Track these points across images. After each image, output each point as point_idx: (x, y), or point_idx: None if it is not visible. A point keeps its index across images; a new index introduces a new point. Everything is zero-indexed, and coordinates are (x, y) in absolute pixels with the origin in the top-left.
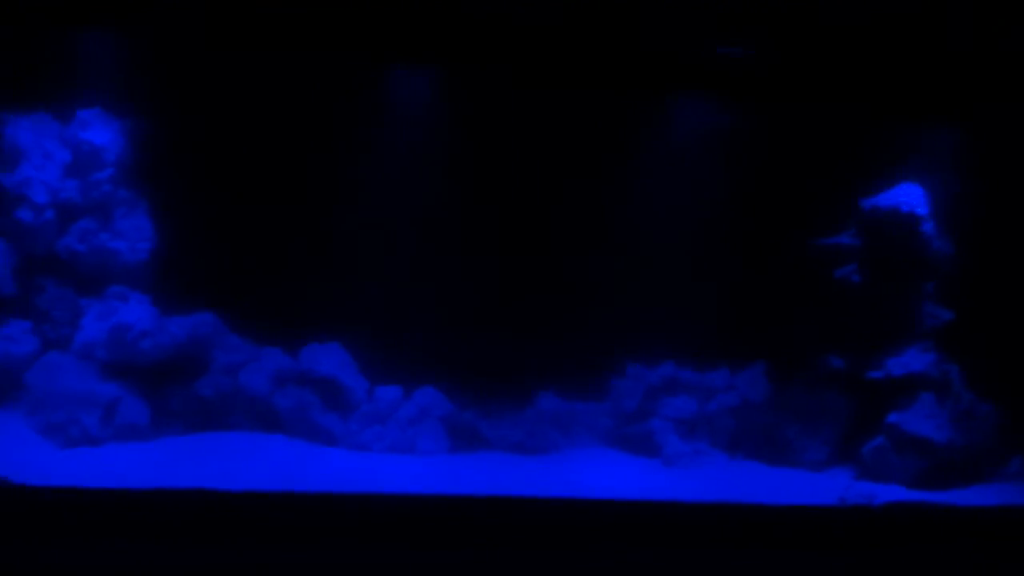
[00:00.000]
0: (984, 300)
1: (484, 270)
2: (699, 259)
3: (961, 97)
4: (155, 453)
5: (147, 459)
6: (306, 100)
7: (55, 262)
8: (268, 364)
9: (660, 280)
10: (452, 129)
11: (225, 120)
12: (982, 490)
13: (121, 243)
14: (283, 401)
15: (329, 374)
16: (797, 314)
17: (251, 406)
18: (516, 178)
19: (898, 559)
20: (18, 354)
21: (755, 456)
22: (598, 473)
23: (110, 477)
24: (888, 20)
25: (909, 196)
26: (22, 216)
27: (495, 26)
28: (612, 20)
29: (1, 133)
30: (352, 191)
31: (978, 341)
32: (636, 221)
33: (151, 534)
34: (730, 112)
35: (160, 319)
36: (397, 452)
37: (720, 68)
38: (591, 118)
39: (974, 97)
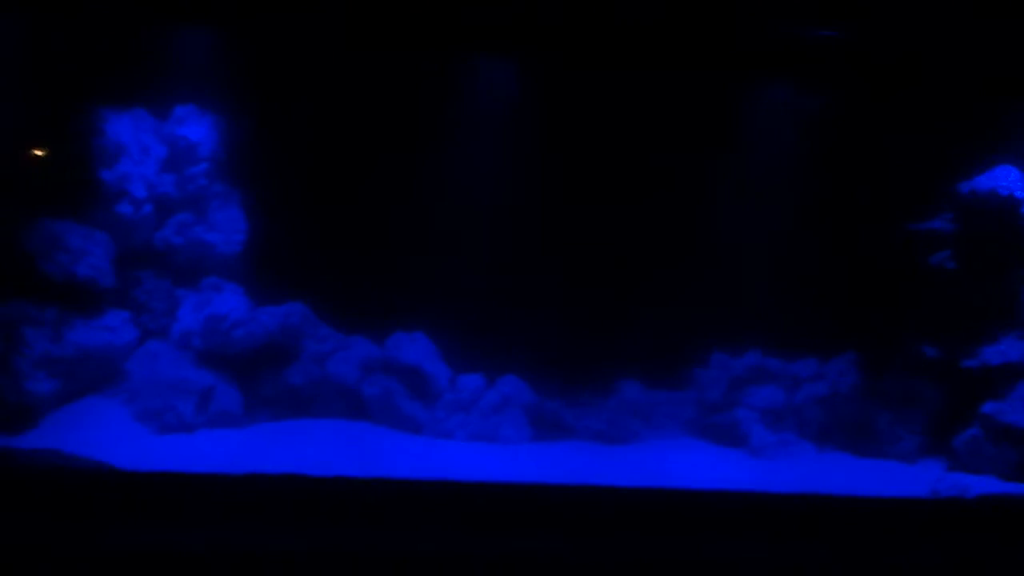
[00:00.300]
0: None
1: (567, 258)
2: (787, 246)
3: None
4: (247, 439)
5: (239, 445)
6: (393, 94)
7: (153, 254)
8: (355, 353)
9: (746, 267)
10: (536, 120)
11: (315, 114)
12: None
13: (216, 235)
14: (369, 389)
15: (414, 362)
16: (890, 301)
17: (339, 394)
18: (601, 166)
19: (992, 552)
20: (118, 343)
21: (845, 447)
22: (682, 463)
23: (203, 462)
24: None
25: (1007, 178)
26: (122, 210)
27: (587, 14)
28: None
29: (102, 130)
30: (438, 183)
31: None
32: (722, 207)
33: (242, 518)
34: (823, 96)
35: (252, 309)
36: (480, 440)
37: (816, 51)
38: (681, 105)
39: None
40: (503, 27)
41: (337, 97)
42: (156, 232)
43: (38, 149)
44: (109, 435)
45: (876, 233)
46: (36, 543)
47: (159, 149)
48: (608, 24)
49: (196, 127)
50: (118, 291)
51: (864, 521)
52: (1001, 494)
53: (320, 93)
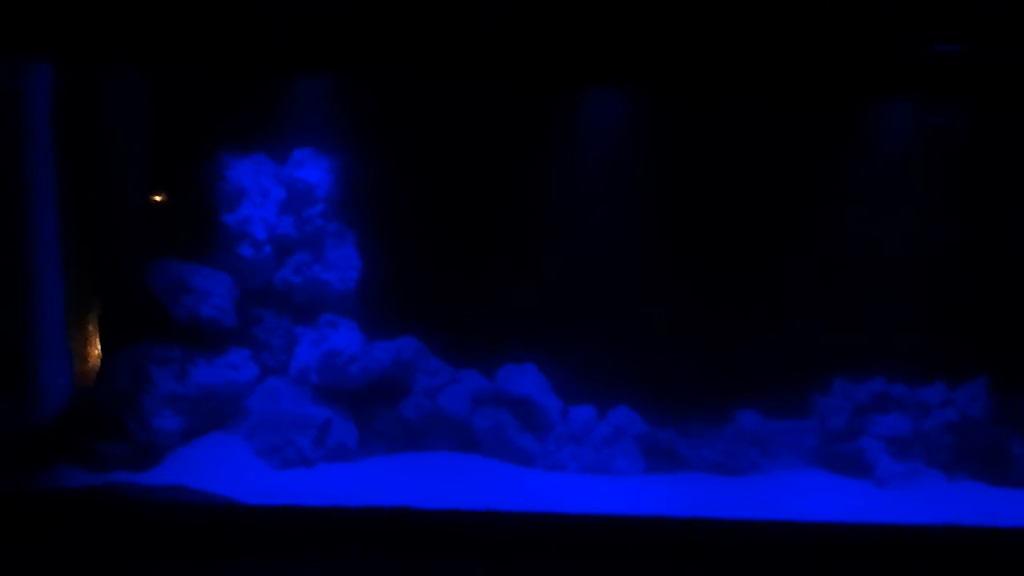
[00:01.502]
0: None
1: (679, 285)
2: (911, 266)
3: None
4: (363, 472)
5: (355, 478)
6: (499, 129)
7: (272, 293)
8: (466, 386)
9: (868, 289)
10: (640, 149)
11: (423, 153)
12: None
13: (331, 274)
14: (481, 422)
15: (525, 395)
16: (1022, 322)
17: (451, 427)
18: (712, 192)
19: None
20: (240, 381)
21: (977, 476)
22: (804, 494)
23: (322, 496)
24: None
25: None
26: (244, 252)
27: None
28: (819, 23)
29: (224, 176)
30: (545, 215)
31: None
32: (843, 227)
33: (358, 550)
34: (947, 114)
35: (367, 344)
36: (592, 472)
37: (937, 67)
38: (797, 128)
39: None
40: (614, 58)
41: (444, 134)
42: (276, 272)
43: (165, 195)
44: (231, 470)
45: (1009, 250)
46: None
47: (278, 192)
48: (716, 50)
49: (313, 169)
50: (240, 330)
51: (999, 553)
52: None
53: (428, 130)
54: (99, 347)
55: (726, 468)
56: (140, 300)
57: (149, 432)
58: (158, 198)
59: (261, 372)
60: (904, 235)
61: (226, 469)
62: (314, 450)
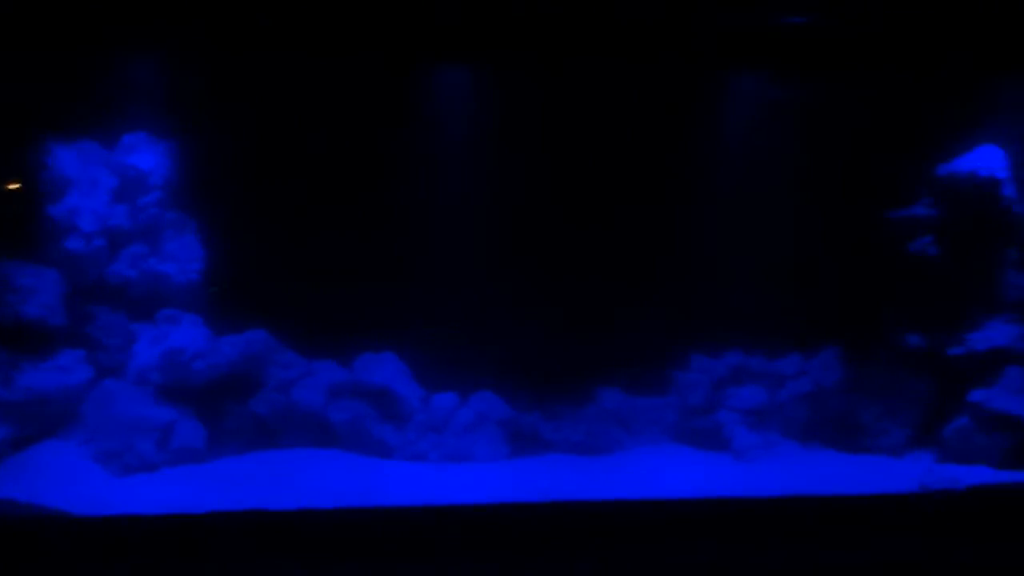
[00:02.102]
0: None
1: (537, 266)
2: (764, 240)
3: None
4: (212, 475)
5: (204, 481)
6: (342, 108)
7: (106, 289)
8: (322, 378)
9: (723, 265)
10: (490, 125)
11: (267, 135)
12: None
13: (171, 266)
14: (338, 414)
15: (383, 384)
16: (872, 292)
17: (306, 421)
18: (562, 168)
19: (985, 545)
20: (73, 384)
21: (831, 444)
22: (665, 470)
23: (168, 502)
24: None
25: (988, 159)
26: (72, 245)
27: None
28: None
29: (47, 163)
30: (396, 198)
31: None
32: (696, 204)
33: (209, 557)
34: (794, 83)
35: (213, 339)
36: (455, 460)
37: (782, 38)
38: (655, 100)
39: None
40: (458, 32)
41: (286, 114)
42: (109, 266)
43: None
44: (67, 480)
45: (855, 222)
46: None
47: (109, 180)
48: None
49: (146, 155)
50: (71, 330)
51: (852, 520)
52: (993, 484)
53: (269, 112)
54: None
55: (590, 448)
56: None
57: None
58: None
59: (97, 373)
60: (755, 208)
61: (61, 479)
62: (158, 453)
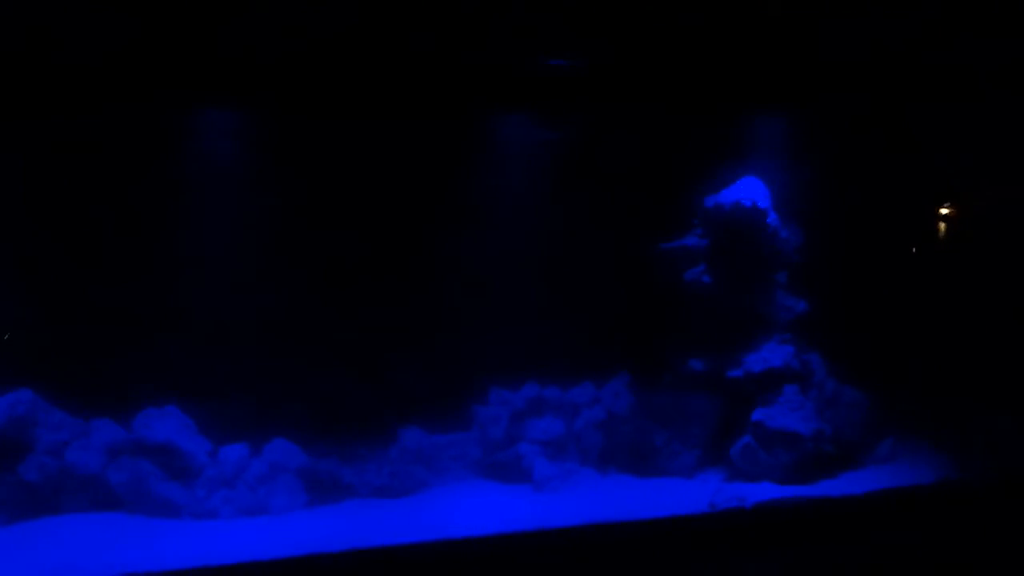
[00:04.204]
0: (840, 285)
1: (327, 309)
2: (550, 275)
3: (791, 85)
4: None
5: None
6: (108, 158)
7: None
8: (98, 437)
9: (514, 300)
10: (266, 166)
11: (25, 184)
12: (856, 476)
13: None
14: (117, 475)
15: (165, 440)
16: (654, 320)
17: (83, 485)
18: (353, 212)
19: (769, 559)
20: None
21: (626, 469)
22: (468, 507)
23: None
24: (716, 14)
25: (750, 190)
26: None
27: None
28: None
29: None
30: (173, 246)
31: (837, 327)
32: (482, 243)
33: None
34: (564, 123)
35: None
36: (250, 514)
37: (549, 79)
38: (427, 141)
39: (805, 85)
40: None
41: (46, 162)
42: None
43: None
44: None
45: (633, 254)
46: None
47: None
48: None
49: None
50: None
51: (648, 543)
52: (778, 499)
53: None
54: None
55: (393, 490)
56: None
57: None
58: None
59: None
60: (542, 244)
61: None
62: None
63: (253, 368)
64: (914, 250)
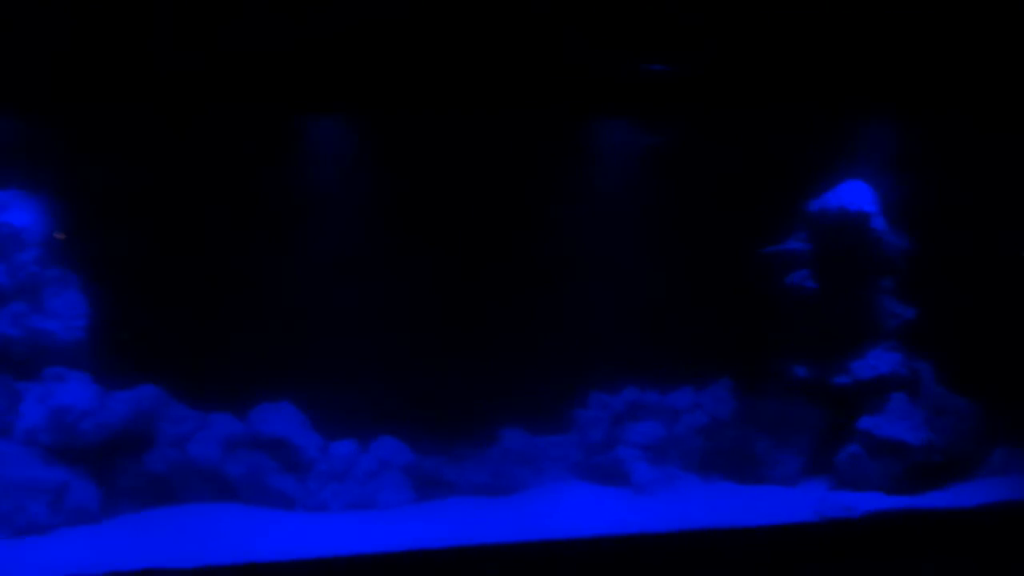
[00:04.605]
0: (948, 291)
1: (434, 310)
2: (653, 280)
3: (899, 87)
4: (106, 535)
5: (98, 542)
6: (219, 156)
7: None
8: (217, 431)
9: (616, 305)
10: (370, 173)
11: (149, 188)
12: (966, 488)
13: (54, 323)
14: (234, 467)
15: (280, 434)
16: (757, 326)
17: (202, 476)
18: (453, 215)
19: (884, 570)
20: None
21: (727, 475)
22: (568, 509)
23: (62, 564)
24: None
25: (855, 194)
26: None
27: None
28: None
29: None
30: (283, 242)
31: (946, 334)
32: (585, 248)
33: None
34: (664, 128)
35: (102, 396)
36: (358, 508)
37: (648, 84)
38: (526, 144)
39: (912, 87)
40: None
41: (167, 166)
42: None
43: None
44: None
45: (736, 260)
46: None
47: None
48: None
49: (20, 212)
50: None
51: (751, 552)
52: (886, 510)
53: (142, 164)
54: None
55: (494, 489)
56: None
57: None
58: None
59: None
60: (644, 249)
61: None
62: (51, 515)
63: (362, 366)
64: None
